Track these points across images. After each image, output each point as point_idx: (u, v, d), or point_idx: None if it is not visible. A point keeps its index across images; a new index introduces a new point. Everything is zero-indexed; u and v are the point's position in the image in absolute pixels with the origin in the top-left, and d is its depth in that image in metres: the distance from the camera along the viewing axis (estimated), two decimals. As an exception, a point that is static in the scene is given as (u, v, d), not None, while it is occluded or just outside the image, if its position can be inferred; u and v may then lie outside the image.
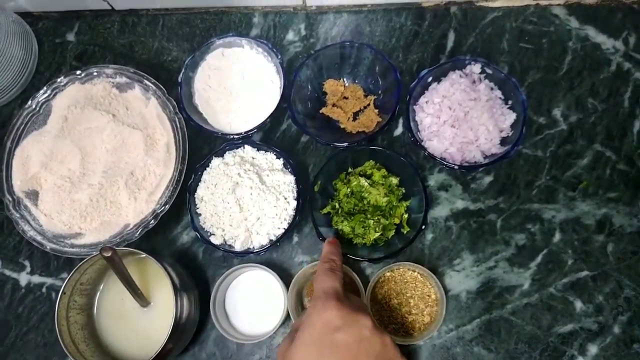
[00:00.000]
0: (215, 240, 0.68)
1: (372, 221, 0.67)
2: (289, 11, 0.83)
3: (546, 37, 0.78)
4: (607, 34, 0.78)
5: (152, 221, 0.68)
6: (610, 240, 0.70)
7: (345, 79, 0.77)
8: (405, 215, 0.69)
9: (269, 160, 0.71)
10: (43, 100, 0.75)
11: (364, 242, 0.68)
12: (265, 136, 0.78)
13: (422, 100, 0.72)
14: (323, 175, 0.69)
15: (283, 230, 0.68)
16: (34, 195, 0.73)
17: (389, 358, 0.48)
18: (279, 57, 0.73)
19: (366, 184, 0.69)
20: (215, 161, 0.71)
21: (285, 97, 0.71)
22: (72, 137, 0.74)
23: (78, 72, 0.75)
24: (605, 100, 0.75)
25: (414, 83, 0.70)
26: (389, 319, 0.67)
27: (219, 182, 0.69)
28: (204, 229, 0.69)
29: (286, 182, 0.69)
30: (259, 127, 0.71)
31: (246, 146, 0.72)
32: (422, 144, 0.70)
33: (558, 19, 0.79)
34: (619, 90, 0.75)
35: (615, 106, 0.75)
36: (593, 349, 0.67)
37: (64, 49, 0.86)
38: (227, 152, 0.71)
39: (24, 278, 0.76)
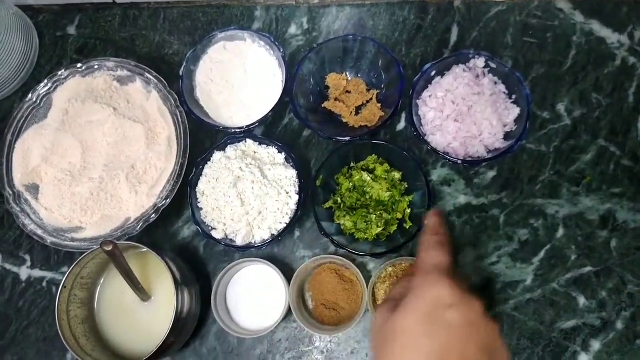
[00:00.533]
0: (217, 234, 0.68)
1: (374, 216, 0.67)
2: (291, 4, 0.83)
3: (551, 32, 0.78)
4: (612, 28, 0.77)
5: (153, 215, 0.67)
6: (614, 235, 0.70)
7: (347, 73, 0.77)
8: (408, 210, 0.69)
9: (271, 155, 0.71)
10: (44, 94, 0.75)
11: (366, 237, 0.68)
12: (267, 130, 0.78)
13: (425, 94, 0.72)
14: (325, 170, 0.69)
15: (285, 225, 0.67)
16: (34, 188, 0.72)
17: (495, 347, 0.45)
18: (281, 50, 0.73)
19: (368, 178, 0.68)
20: (217, 155, 0.70)
21: (287, 91, 0.71)
22: (73, 131, 0.73)
23: (79, 65, 0.75)
24: (609, 95, 0.75)
25: (417, 77, 0.70)
26: (391, 314, 0.67)
27: (221, 176, 0.68)
28: (205, 223, 0.69)
29: (288, 177, 0.69)
30: (261, 121, 0.71)
31: (248, 140, 0.71)
32: (425, 138, 0.69)
33: (563, 13, 0.78)
34: (623, 85, 0.75)
35: (619, 101, 0.74)
36: (596, 345, 0.66)
37: (65, 42, 0.85)
38: (228, 146, 0.71)
39: (24, 272, 0.76)
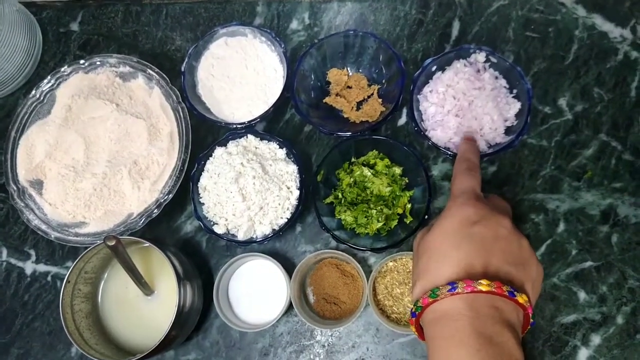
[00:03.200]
0: (219, 229, 0.68)
1: (375, 211, 0.67)
2: (293, 0, 0.83)
3: (552, 26, 0.78)
4: (615, 22, 0.77)
5: (156, 210, 0.68)
6: (615, 230, 0.70)
7: (349, 68, 0.77)
8: (409, 205, 0.69)
9: (272, 150, 0.71)
10: (47, 90, 0.75)
11: (366, 232, 0.68)
12: (269, 126, 0.78)
13: (426, 89, 0.72)
14: (326, 165, 0.69)
15: (286, 220, 0.68)
16: (38, 184, 0.73)
17: (524, 259, 0.47)
18: (283, 46, 0.73)
19: (369, 173, 0.69)
20: (219, 151, 0.71)
21: (288, 86, 0.71)
22: (76, 127, 0.74)
23: (82, 61, 0.75)
24: (611, 90, 0.74)
25: (418, 72, 0.70)
26: (391, 308, 0.68)
27: (222, 171, 0.69)
28: (207, 218, 0.69)
29: (289, 172, 0.69)
30: (262, 117, 0.71)
31: (249, 136, 0.72)
32: (426, 133, 0.70)
33: (565, 7, 0.78)
34: (625, 80, 0.75)
35: (621, 96, 0.74)
36: (596, 339, 0.66)
37: (68, 39, 0.86)
38: (230, 142, 0.71)
39: (29, 267, 0.77)
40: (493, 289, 0.43)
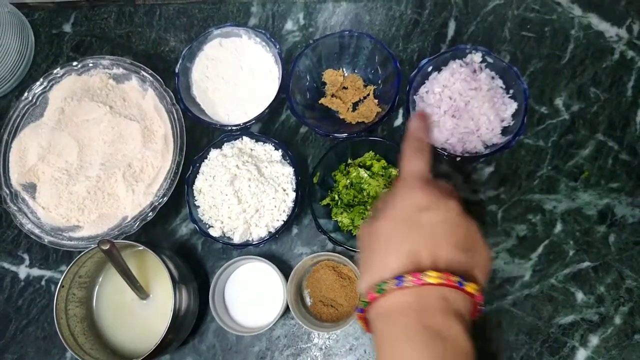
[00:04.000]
0: (214, 232, 0.68)
1: (371, 213, 0.67)
2: (287, 0, 0.82)
3: (548, 25, 0.77)
4: (611, 21, 0.77)
5: (150, 213, 0.67)
6: (612, 230, 0.69)
7: (344, 69, 0.77)
8: (405, 207, 0.68)
9: (268, 152, 0.71)
10: (39, 92, 0.74)
11: (363, 233, 0.68)
12: (264, 127, 0.77)
13: (422, 90, 0.71)
14: (322, 167, 0.69)
15: (282, 222, 0.67)
16: (31, 188, 0.72)
17: (473, 244, 0.46)
18: (278, 47, 0.73)
19: (366, 175, 0.68)
20: (214, 153, 0.70)
21: (283, 87, 0.71)
22: (69, 129, 0.73)
23: (74, 63, 0.75)
24: (607, 90, 0.74)
25: (413, 73, 0.70)
26: (388, 310, 0.67)
27: (217, 173, 0.68)
28: (202, 221, 0.69)
29: (285, 174, 0.69)
30: (258, 118, 0.70)
31: (244, 137, 0.71)
32: (422, 134, 0.69)
33: (560, 6, 0.78)
34: (622, 79, 0.74)
35: (618, 95, 0.74)
36: (594, 340, 0.66)
37: (61, 40, 0.85)
38: (225, 144, 0.71)
39: (23, 271, 0.76)
40: (442, 281, 0.42)
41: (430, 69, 0.71)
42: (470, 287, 0.43)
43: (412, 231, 0.45)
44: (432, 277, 0.41)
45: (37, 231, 0.69)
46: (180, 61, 0.73)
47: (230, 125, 0.71)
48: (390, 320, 0.43)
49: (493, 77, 0.70)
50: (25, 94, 0.74)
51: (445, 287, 0.42)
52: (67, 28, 0.85)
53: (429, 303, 0.42)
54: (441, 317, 0.42)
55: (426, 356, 0.40)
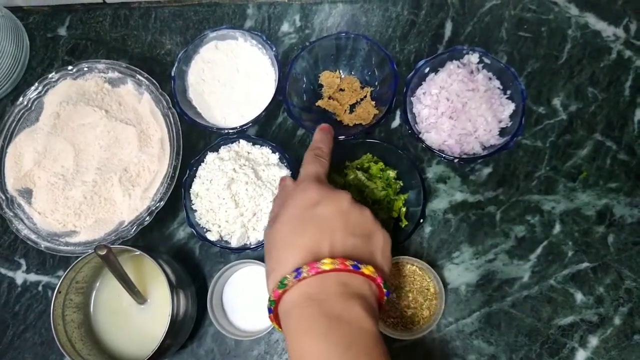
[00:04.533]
0: (212, 236, 0.67)
1: (369, 215, 0.67)
2: (283, 2, 0.82)
3: (545, 25, 0.77)
4: (608, 21, 0.77)
5: (147, 218, 0.67)
6: (611, 231, 0.69)
7: (341, 71, 0.76)
8: (404, 209, 0.68)
9: (265, 155, 0.70)
10: (34, 97, 0.74)
11: (361, 236, 0.67)
12: (261, 130, 0.77)
13: (419, 91, 0.71)
14: (319, 169, 0.68)
15: (280, 226, 0.67)
16: (27, 193, 0.72)
17: (368, 229, 0.48)
18: (274, 49, 0.72)
19: (363, 177, 0.68)
20: (210, 156, 0.70)
21: (280, 90, 0.70)
22: (65, 134, 0.73)
23: (70, 67, 0.74)
24: (605, 89, 0.74)
25: (410, 74, 0.69)
26: (387, 313, 0.67)
27: (214, 177, 0.68)
28: (199, 225, 0.68)
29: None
30: (254, 121, 0.70)
31: (241, 141, 0.71)
32: (420, 136, 0.69)
33: (557, 6, 0.78)
34: (619, 79, 0.74)
35: (615, 95, 0.74)
36: (594, 341, 0.66)
37: (56, 44, 0.84)
38: (222, 147, 0.70)
39: (19, 276, 0.76)
40: (336, 266, 0.43)
41: (427, 70, 0.71)
42: (367, 270, 0.44)
43: (307, 226, 0.47)
44: (326, 264, 0.43)
45: (33, 237, 0.69)
46: (176, 64, 0.73)
47: (226, 129, 0.71)
48: (293, 314, 0.44)
49: (490, 78, 0.70)
50: (20, 98, 0.73)
51: (342, 272, 0.44)
52: (62, 31, 0.85)
53: (328, 290, 0.44)
54: (341, 301, 0.43)
55: (327, 345, 0.41)
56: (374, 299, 0.46)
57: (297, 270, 0.44)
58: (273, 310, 0.46)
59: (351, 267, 0.44)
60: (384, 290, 0.47)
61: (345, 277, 0.44)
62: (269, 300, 0.46)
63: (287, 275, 0.44)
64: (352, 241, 0.47)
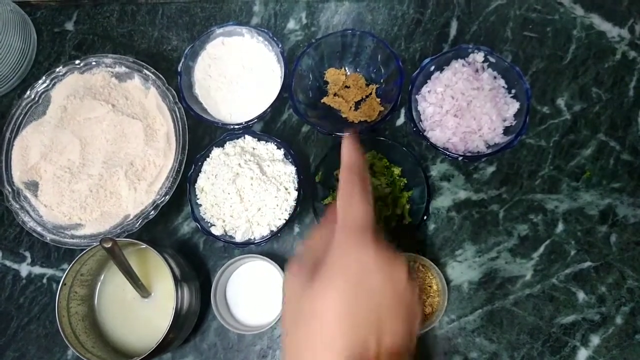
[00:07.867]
0: (216, 231, 0.68)
1: (373, 212, 0.67)
2: (289, -1, 0.82)
3: (550, 26, 0.77)
4: (613, 22, 0.77)
5: (152, 212, 0.67)
6: (614, 230, 0.70)
7: (346, 68, 0.77)
8: (407, 206, 0.69)
9: (270, 151, 0.71)
10: (42, 91, 0.74)
11: (365, 232, 0.68)
12: (266, 126, 0.77)
13: (424, 89, 0.71)
14: (324, 166, 0.69)
15: (284, 221, 0.67)
16: (33, 186, 0.72)
17: (414, 310, 0.39)
18: (280, 46, 0.73)
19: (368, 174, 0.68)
20: (216, 151, 0.70)
21: (286, 86, 0.71)
22: (72, 128, 0.73)
23: (77, 61, 0.75)
24: (609, 90, 0.74)
25: (416, 72, 0.70)
26: (390, 309, 0.67)
27: (220, 172, 0.68)
28: (204, 219, 0.69)
29: (287, 173, 0.69)
30: (260, 117, 0.70)
31: (247, 136, 0.71)
32: (425, 134, 0.69)
33: (563, 6, 0.78)
34: (624, 79, 0.75)
35: (620, 95, 0.74)
36: (595, 340, 0.66)
37: (63, 39, 0.85)
38: (227, 143, 0.71)
39: (24, 269, 0.76)
40: None
41: (432, 68, 0.71)
42: None
43: (360, 310, 0.37)
44: None
45: (39, 229, 0.69)
46: (182, 60, 0.73)
47: (232, 124, 0.71)
48: None
49: (495, 77, 0.70)
50: (28, 92, 0.74)
51: None
52: (70, 26, 0.86)
53: None
54: None
55: None
56: None
57: None
58: None
59: None
60: None
61: None
62: None
63: None
64: (400, 329, 0.38)
